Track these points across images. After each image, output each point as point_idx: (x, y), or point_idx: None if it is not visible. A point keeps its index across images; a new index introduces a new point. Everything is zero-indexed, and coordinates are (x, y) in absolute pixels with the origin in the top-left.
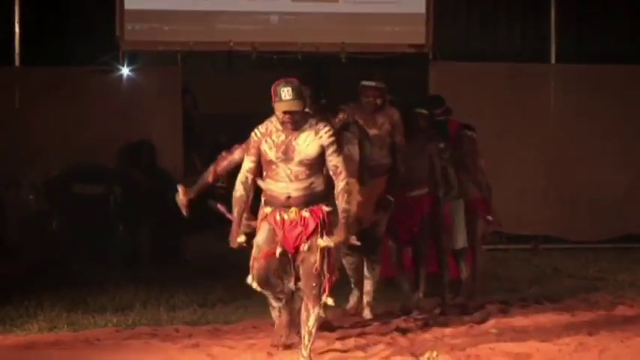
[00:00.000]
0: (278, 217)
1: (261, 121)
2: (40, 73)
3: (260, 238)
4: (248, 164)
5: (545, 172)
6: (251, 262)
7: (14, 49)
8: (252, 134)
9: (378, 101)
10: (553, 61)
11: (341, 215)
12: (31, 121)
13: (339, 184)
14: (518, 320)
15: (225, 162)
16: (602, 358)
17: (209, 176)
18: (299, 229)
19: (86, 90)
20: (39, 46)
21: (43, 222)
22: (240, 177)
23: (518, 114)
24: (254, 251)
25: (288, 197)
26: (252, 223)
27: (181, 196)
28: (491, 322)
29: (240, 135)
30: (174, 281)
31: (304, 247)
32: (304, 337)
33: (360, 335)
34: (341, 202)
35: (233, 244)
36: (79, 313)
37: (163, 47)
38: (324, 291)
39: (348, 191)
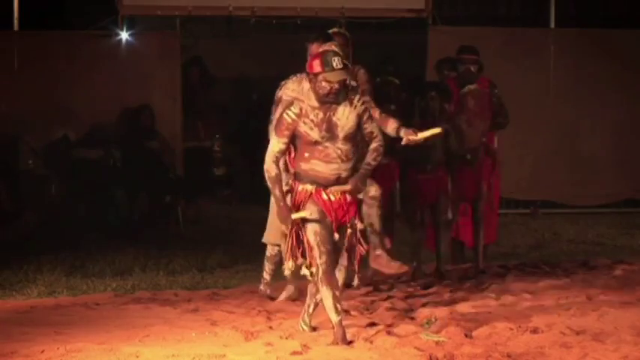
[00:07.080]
0: (325, 196)
1: (261, 84)
2: (39, 37)
3: (317, 225)
4: (280, 145)
5: (545, 137)
6: (313, 253)
7: (13, 12)
8: (285, 116)
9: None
10: (552, 25)
11: (362, 167)
12: (30, 85)
13: (373, 145)
14: (518, 285)
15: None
16: (600, 322)
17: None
18: (344, 208)
19: (85, 54)
20: (38, 9)
21: (42, 186)
22: (271, 157)
23: (517, 79)
24: (312, 239)
25: (338, 178)
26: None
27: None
28: (491, 286)
29: (239, 98)
30: (174, 246)
31: (347, 227)
32: (309, 306)
33: (359, 300)
34: (368, 157)
35: (286, 222)
36: (78, 277)
37: (162, 12)
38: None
39: (379, 151)
